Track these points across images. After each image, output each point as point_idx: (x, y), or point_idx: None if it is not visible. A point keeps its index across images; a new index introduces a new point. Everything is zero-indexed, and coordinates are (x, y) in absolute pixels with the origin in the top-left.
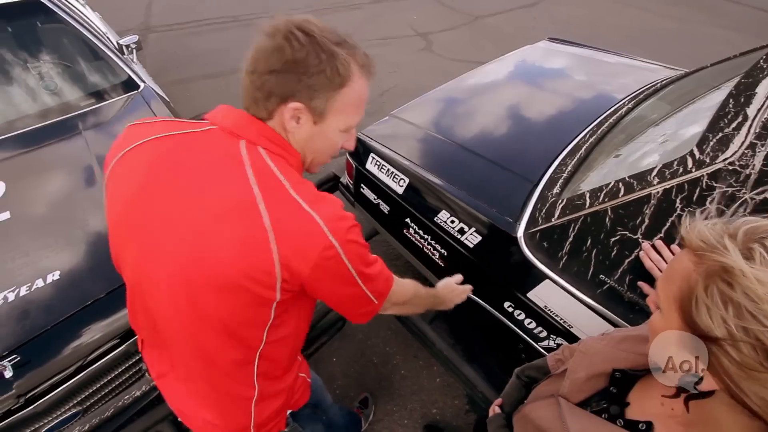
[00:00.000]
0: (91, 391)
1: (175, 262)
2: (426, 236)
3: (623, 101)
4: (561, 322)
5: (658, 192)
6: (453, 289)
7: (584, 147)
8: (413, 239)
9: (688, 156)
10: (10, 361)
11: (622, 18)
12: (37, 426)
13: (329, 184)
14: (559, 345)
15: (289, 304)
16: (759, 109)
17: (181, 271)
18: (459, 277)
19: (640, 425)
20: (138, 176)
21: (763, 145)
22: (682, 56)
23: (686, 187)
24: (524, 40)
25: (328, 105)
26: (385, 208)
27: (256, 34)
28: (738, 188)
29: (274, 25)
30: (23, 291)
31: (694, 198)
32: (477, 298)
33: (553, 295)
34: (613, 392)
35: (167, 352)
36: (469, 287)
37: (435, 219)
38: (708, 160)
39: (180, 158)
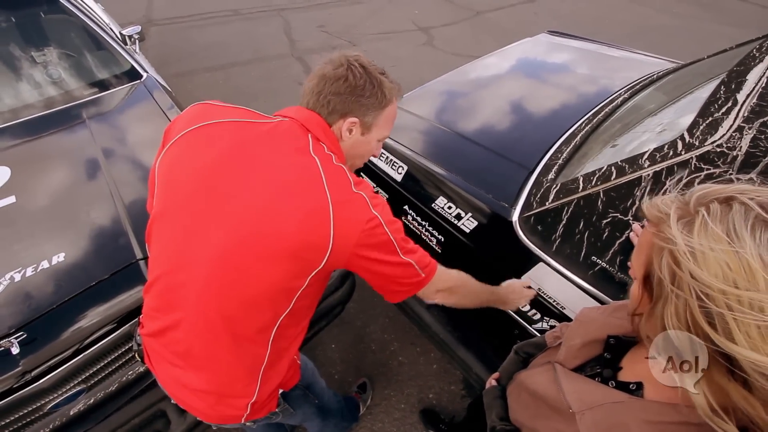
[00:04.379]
0: (95, 369)
1: (237, 227)
2: (424, 222)
3: (620, 92)
4: (554, 304)
5: (648, 174)
6: (514, 290)
7: (580, 135)
8: (411, 226)
9: (678, 140)
10: (17, 338)
11: (624, 14)
12: (42, 402)
13: None
14: (552, 327)
15: (319, 276)
16: (748, 95)
17: (242, 238)
18: (526, 281)
19: (630, 385)
20: (218, 149)
21: (750, 128)
22: (685, 52)
23: (675, 169)
24: (526, 35)
25: (374, 120)
26: (383, 195)
27: (320, 64)
28: (725, 169)
29: (337, 59)
30: (29, 272)
31: (683, 179)
32: None
33: (547, 277)
34: (607, 357)
35: (177, 324)
36: (533, 291)
37: (432, 205)
38: (697, 143)
39: (258, 143)
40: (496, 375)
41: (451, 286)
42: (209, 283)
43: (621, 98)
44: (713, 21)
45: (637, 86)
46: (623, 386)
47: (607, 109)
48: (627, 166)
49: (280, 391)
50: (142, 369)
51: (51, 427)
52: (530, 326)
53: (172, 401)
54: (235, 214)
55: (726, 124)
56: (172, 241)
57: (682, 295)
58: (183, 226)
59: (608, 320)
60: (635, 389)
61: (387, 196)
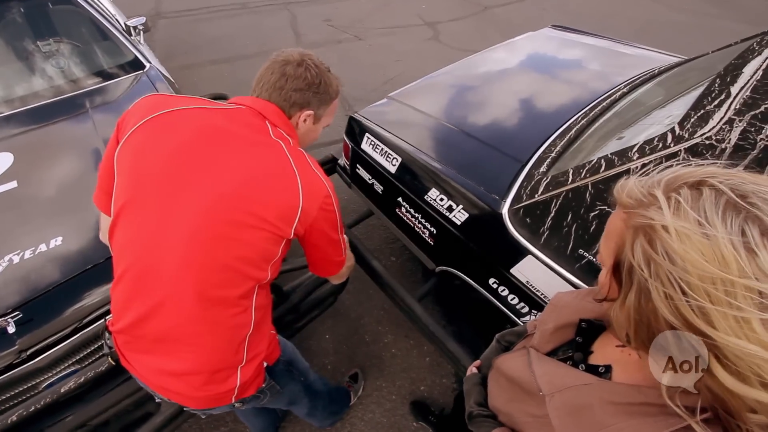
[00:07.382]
0: (89, 350)
1: (216, 200)
2: (417, 215)
3: (619, 86)
4: (542, 296)
5: (637, 167)
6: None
7: (575, 129)
8: (405, 218)
9: (668, 132)
10: (13, 318)
11: (634, 10)
12: (37, 381)
13: (327, 166)
14: None
15: (286, 247)
16: (742, 87)
17: (222, 209)
18: None
19: (599, 368)
20: (183, 133)
21: (741, 121)
22: (694, 48)
23: (664, 161)
24: (533, 31)
25: (324, 112)
26: (379, 187)
27: (276, 59)
28: (713, 161)
29: (296, 57)
30: (27, 254)
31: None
32: (463, 275)
33: (535, 270)
34: (578, 342)
35: (156, 308)
36: None
37: (425, 197)
38: (687, 136)
39: (221, 126)
40: (477, 363)
41: (351, 264)
42: (189, 256)
43: (620, 93)
44: (726, 18)
45: (637, 81)
46: (593, 369)
47: (604, 104)
48: (616, 158)
49: (265, 364)
50: None
51: (43, 403)
52: (518, 319)
53: (156, 399)
54: (212, 189)
55: (717, 116)
56: (143, 228)
57: (655, 283)
58: (155, 211)
59: (581, 304)
60: (604, 372)
61: (382, 188)
